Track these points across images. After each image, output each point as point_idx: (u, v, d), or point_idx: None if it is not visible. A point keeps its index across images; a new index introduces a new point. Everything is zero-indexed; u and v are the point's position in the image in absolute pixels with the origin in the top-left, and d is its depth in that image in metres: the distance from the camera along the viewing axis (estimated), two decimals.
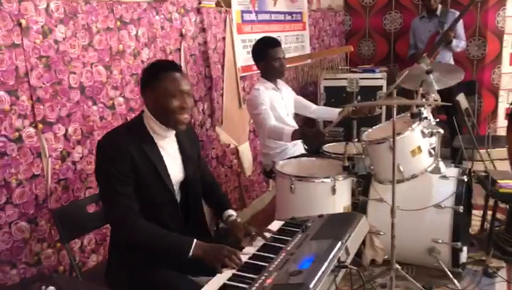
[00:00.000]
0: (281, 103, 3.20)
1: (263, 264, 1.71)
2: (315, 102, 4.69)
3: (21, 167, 2.11)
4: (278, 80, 3.26)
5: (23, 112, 2.10)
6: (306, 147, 3.34)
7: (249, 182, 4.00)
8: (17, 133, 2.08)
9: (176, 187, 1.99)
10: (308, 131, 2.79)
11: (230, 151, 3.70)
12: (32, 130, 2.14)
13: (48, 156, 2.21)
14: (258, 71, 3.33)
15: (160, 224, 1.86)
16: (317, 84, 4.73)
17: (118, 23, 2.56)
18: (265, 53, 3.09)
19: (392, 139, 2.43)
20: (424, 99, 2.87)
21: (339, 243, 1.74)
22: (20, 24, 2.05)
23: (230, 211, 2.10)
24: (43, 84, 2.17)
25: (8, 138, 2.05)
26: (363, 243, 2.82)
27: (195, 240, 1.81)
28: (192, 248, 1.79)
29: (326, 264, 1.60)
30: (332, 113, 3.24)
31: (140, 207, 1.85)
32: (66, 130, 2.31)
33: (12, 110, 2.05)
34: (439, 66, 3.50)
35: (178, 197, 1.99)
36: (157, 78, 1.85)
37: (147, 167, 1.85)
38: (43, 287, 1.42)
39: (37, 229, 2.20)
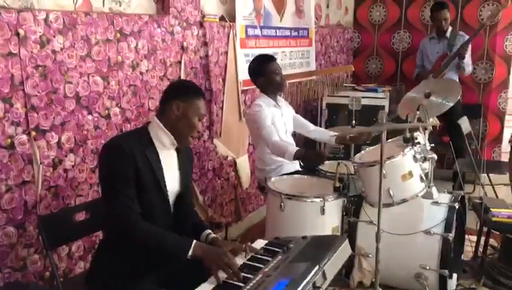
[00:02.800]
0: (280, 120, 3.20)
1: (239, 284, 1.73)
2: (316, 118, 4.72)
3: (11, 173, 2.15)
4: (279, 97, 3.28)
5: (16, 119, 2.14)
6: (302, 164, 3.34)
7: (246, 195, 4.01)
8: (9, 140, 2.12)
9: (171, 199, 2.03)
10: (310, 154, 2.90)
11: (228, 164, 3.71)
12: (25, 137, 2.19)
13: (39, 163, 2.25)
14: None
15: None
16: (320, 100, 4.74)
17: (118, 35, 2.60)
18: (264, 68, 3.12)
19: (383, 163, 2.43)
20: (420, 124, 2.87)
21: (316, 267, 1.75)
22: (18, 34, 2.10)
23: (208, 230, 2.12)
24: (38, 92, 2.22)
25: (0, 145, 2.09)
26: (352, 264, 2.83)
27: (194, 240, 1.87)
28: (192, 247, 1.84)
29: (299, 289, 1.61)
30: (328, 136, 3.25)
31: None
32: (59, 138, 2.35)
33: (6, 117, 2.09)
34: (439, 83, 3.49)
35: (172, 209, 2.04)
36: (195, 97, 1.99)
37: (148, 174, 1.91)
38: None
39: (24, 234, 2.23)
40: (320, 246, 2.00)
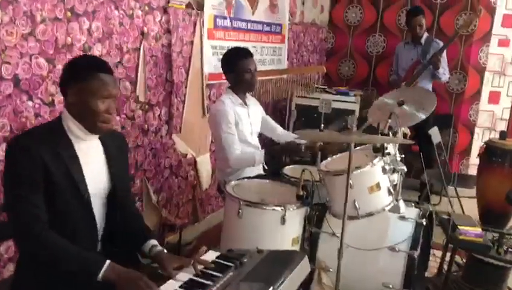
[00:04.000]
0: (246, 121, 2.97)
1: None
2: (284, 120, 4.54)
3: None
4: (248, 95, 3.06)
5: None
6: (266, 167, 3.15)
7: (205, 196, 3.79)
8: None
9: (98, 200, 1.77)
10: (283, 147, 2.90)
11: (187, 162, 3.48)
12: None
13: None
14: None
15: (72, 242, 1.64)
16: (290, 101, 4.55)
17: (69, 14, 2.34)
18: (236, 64, 2.87)
19: (351, 173, 2.26)
20: (391, 133, 2.71)
21: (270, 289, 1.56)
22: None
23: (153, 241, 1.85)
24: None
25: None
26: (311, 278, 2.65)
27: (108, 261, 1.61)
28: (104, 269, 1.58)
29: None
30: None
31: (50, 220, 1.64)
32: None
33: None
34: (415, 92, 3.34)
35: (97, 212, 1.77)
36: (85, 76, 1.67)
37: (61, 174, 1.64)
38: None
39: None
40: (277, 263, 1.80)
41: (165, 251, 1.84)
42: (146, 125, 2.99)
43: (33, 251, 1.63)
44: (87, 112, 1.68)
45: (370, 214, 2.43)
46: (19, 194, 1.59)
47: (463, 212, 3.97)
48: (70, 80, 1.70)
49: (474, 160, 5.11)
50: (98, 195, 1.77)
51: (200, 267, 1.76)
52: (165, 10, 2.98)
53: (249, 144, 2.95)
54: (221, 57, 3.15)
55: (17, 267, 1.80)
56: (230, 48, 3.04)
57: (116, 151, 1.85)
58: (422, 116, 2.81)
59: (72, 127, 1.70)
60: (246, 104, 2.98)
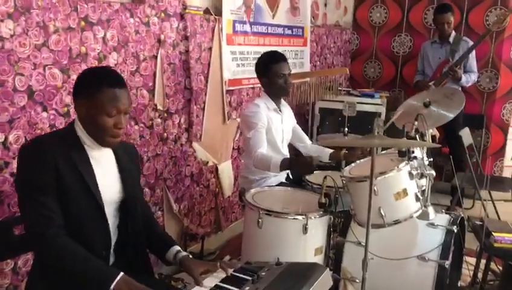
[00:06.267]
0: (278, 127, 2.90)
1: None
2: (307, 124, 4.43)
3: None
4: (283, 102, 2.98)
5: None
6: (291, 176, 3.05)
7: (228, 204, 3.72)
8: None
9: (110, 208, 1.73)
10: (296, 163, 2.67)
11: (208, 170, 3.42)
12: None
13: None
14: (249, 86, 3.08)
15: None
16: (313, 104, 4.43)
17: (82, 23, 2.31)
18: (269, 68, 2.81)
19: (374, 179, 2.15)
20: (418, 135, 2.59)
21: None
22: None
23: (177, 247, 1.83)
24: None
25: None
26: (336, 289, 2.54)
27: (121, 273, 1.56)
28: (116, 281, 1.53)
29: None
30: (323, 153, 2.98)
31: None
32: (6, 138, 2.06)
33: None
34: (441, 92, 3.19)
35: (111, 221, 1.74)
36: (95, 89, 1.62)
37: (74, 179, 1.61)
38: None
39: None
40: (296, 277, 1.72)
41: (190, 256, 1.82)
42: (165, 134, 2.94)
43: (44, 253, 1.60)
44: (95, 127, 1.65)
45: (397, 222, 2.30)
46: (31, 197, 1.57)
47: (498, 216, 3.79)
48: (78, 93, 1.68)
49: (508, 161, 4.89)
50: (110, 203, 1.74)
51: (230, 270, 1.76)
52: (181, 17, 2.93)
53: (278, 151, 2.87)
54: (241, 62, 3.10)
55: (30, 278, 1.79)
56: (264, 52, 2.95)
57: (128, 162, 1.83)
58: (451, 115, 2.67)
59: (83, 137, 1.68)
60: (280, 110, 2.91)
